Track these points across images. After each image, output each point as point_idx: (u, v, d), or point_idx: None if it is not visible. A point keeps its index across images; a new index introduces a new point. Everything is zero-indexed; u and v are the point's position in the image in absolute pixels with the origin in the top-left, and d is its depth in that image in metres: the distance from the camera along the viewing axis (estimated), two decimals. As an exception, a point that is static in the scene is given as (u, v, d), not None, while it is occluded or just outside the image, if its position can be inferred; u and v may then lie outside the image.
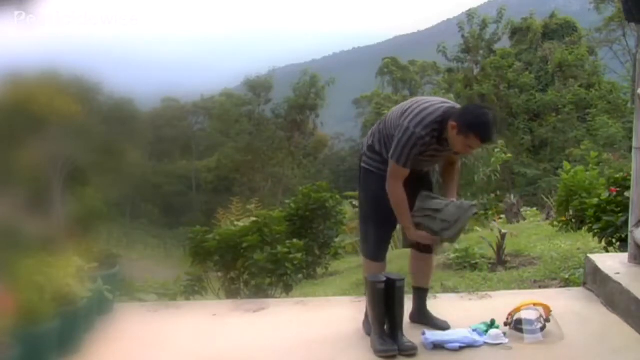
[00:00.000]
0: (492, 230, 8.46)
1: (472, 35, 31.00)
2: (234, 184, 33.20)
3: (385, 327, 3.49)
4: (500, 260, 6.87)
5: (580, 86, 28.91)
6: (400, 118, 3.55)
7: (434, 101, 3.60)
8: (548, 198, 13.95)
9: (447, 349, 3.44)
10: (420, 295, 3.89)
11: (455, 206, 3.56)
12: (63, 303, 3.27)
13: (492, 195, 14.73)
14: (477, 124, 3.39)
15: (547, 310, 3.64)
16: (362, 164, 3.79)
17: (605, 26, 29.70)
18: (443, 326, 3.70)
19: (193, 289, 6.91)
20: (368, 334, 3.63)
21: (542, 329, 3.54)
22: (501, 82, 29.90)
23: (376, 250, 3.80)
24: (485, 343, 3.51)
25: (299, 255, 6.97)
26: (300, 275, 7.92)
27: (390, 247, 4.46)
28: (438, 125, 3.47)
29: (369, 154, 3.74)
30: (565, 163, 9.55)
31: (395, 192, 3.55)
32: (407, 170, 3.52)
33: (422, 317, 3.83)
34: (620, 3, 13.30)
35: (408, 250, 3.94)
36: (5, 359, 2.76)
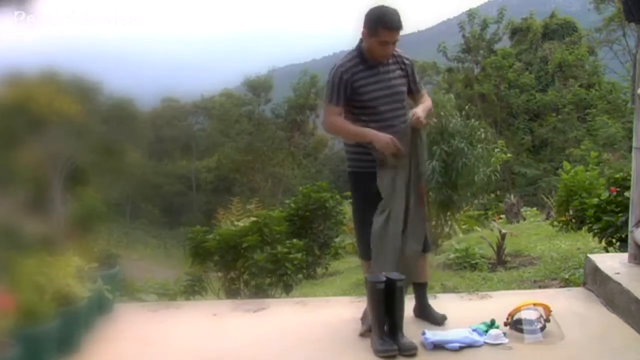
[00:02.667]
0: (492, 230, 8.47)
1: (473, 35, 30.97)
2: (234, 184, 33.18)
3: (385, 327, 3.49)
4: (500, 260, 6.87)
5: (580, 86, 28.88)
6: None
7: None
8: (548, 198, 13.94)
9: (447, 349, 3.44)
10: (420, 290, 3.93)
11: None
12: (63, 303, 3.27)
13: (492, 195, 14.74)
14: (378, 17, 3.56)
15: (547, 310, 3.64)
16: (347, 168, 3.89)
17: (605, 26, 29.64)
18: (439, 320, 3.76)
19: (193, 289, 6.93)
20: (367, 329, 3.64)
21: (542, 329, 3.54)
22: (501, 82, 29.87)
23: (369, 250, 3.82)
24: (485, 343, 3.51)
25: (299, 255, 6.98)
26: (300, 275, 7.93)
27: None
28: (356, 52, 3.68)
29: (347, 155, 3.86)
30: (565, 163, 9.54)
31: (335, 125, 3.68)
32: (340, 108, 3.63)
33: (422, 311, 3.88)
34: (620, 3, 13.30)
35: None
36: (5, 359, 2.76)
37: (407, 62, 3.80)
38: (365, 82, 3.64)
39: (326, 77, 3.77)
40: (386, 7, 3.63)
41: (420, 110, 3.70)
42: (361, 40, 3.69)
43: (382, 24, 3.54)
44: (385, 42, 3.58)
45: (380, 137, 3.56)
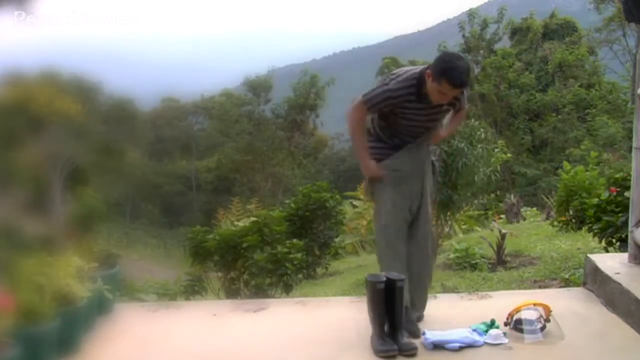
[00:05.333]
0: (492, 230, 8.47)
1: (473, 35, 30.98)
2: (234, 184, 33.18)
3: (385, 327, 3.49)
4: (500, 260, 6.88)
5: (580, 86, 28.88)
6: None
7: (418, 67, 3.74)
8: (548, 198, 13.95)
9: (447, 349, 3.44)
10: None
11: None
12: (63, 303, 3.27)
13: (492, 195, 14.71)
14: (446, 70, 3.50)
15: (547, 310, 3.64)
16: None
17: (605, 26, 29.65)
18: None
19: (193, 289, 6.92)
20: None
21: (542, 329, 3.55)
22: (501, 82, 29.87)
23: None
24: (485, 343, 3.51)
25: (299, 255, 6.96)
26: (300, 275, 7.92)
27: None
28: (416, 81, 3.60)
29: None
30: (565, 163, 9.55)
31: (354, 123, 3.74)
32: (369, 114, 3.71)
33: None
34: (620, 3, 13.30)
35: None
36: (5, 359, 2.76)
37: (460, 96, 3.73)
38: (410, 111, 3.64)
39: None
40: (457, 61, 3.57)
41: (444, 131, 3.87)
42: (429, 66, 3.61)
43: (447, 77, 3.47)
44: (444, 93, 3.55)
45: (370, 169, 3.72)
